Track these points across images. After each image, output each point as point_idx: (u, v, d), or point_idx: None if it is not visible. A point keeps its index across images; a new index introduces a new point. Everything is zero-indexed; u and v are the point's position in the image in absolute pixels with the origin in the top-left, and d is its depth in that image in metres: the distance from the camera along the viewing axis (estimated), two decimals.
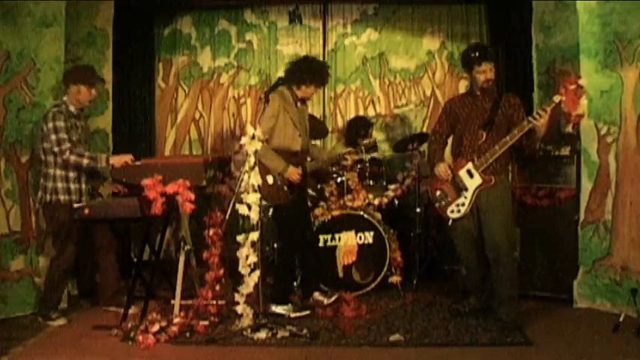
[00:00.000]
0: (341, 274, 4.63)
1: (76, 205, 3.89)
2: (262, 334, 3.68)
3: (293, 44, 6.01)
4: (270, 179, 4.02)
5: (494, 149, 3.81)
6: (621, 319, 3.74)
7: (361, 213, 4.67)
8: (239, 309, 3.79)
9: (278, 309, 4.09)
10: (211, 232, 4.06)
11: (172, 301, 4.01)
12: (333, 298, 4.22)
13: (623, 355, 3.37)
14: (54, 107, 4.09)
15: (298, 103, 4.21)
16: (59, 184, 4.05)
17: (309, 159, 4.50)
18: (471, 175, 3.89)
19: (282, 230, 4.31)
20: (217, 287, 3.99)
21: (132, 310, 4.00)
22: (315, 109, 5.99)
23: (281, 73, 4.37)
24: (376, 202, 4.91)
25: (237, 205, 3.77)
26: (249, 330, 3.73)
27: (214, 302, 3.96)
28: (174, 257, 4.87)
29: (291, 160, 4.12)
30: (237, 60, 6.08)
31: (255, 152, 3.74)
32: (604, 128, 4.19)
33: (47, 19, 4.31)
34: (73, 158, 3.97)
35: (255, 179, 3.72)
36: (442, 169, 3.97)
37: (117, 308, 4.16)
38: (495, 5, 5.76)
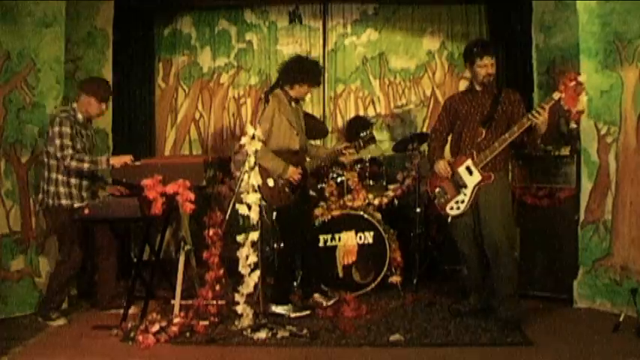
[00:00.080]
0: (341, 274, 4.63)
1: (76, 205, 3.90)
2: (262, 334, 3.68)
3: (293, 44, 6.01)
4: (270, 182, 4.02)
5: (493, 146, 3.81)
6: (621, 319, 3.74)
7: (361, 213, 4.67)
8: (239, 309, 3.79)
9: (278, 309, 4.09)
10: (211, 232, 4.06)
11: (172, 301, 4.02)
12: (332, 301, 4.22)
13: (623, 355, 3.37)
14: (62, 112, 4.09)
15: (292, 103, 4.21)
16: (61, 189, 4.05)
17: (308, 159, 4.49)
18: (470, 172, 3.89)
19: (284, 231, 4.30)
20: (217, 287, 3.99)
21: (132, 310, 4.00)
22: (315, 109, 6.00)
23: None
24: (376, 202, 4.90)
25: (237, 205, 3.77)
26: (249, 330, 3.73)
27: (214, 302, 3.96)
28: (174, 257, 4.87)
29: (291, 160, 4.12)
30: (237, 60, 6.08)
31: (255, 152, 3.74)
32: (604, 128, 4.19)
33: (47, 19, 4.31)
34: (74, 164, 3.97)
35: (255, 179, 3.72)
36: (441, 167, 3.97)
37: (116, 311, 4.15)
38: (495, 5, 5.76)
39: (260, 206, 3.78)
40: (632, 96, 4.05)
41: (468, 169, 3.89)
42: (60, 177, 4.05)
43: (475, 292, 4.13)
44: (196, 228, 4.54)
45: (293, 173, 4.09)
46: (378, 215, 4.75)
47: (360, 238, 4.64)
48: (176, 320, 3.77)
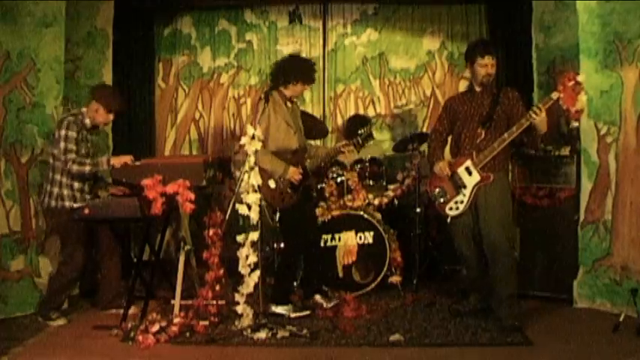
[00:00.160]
0: (341, 274, 4.63)
1: (76, 205, 3.89)
2: (262, 334, 3.68)
3: (293, 44, 6.01)
4: (272, 183, 4.02)
5: (492, 146, 3.81)
6: (621, 319, 3.74)
7: (361, 213, 4.67)
8: (239, 309, 3.79)
9: (278, 309, 4.09)
10: (211, 232, 4.06)
11: (172, 301, 4.02)
12: (333, 303, 4.21)
13: (623, 355, 3.37)
14: (70, 116, 4.10)
15: (288, 103, 4.21)
16: (65, 191, 4.06)
17: (307, 159, 4.48)
18: (469, 173, 3.89)
19: (288, 231, 4.29)
20: (217, 287, 3.99)
21: (132, 310, 4.00)
22: (315, 109, 6.00)
23: None
24: (376, 202, 4.90)
25: (237, 205, 3.77)
26: (249, 330, 3.73)
27: (214, 302, 3.96)
28: (174, 257, 4.86)
29: (290, 159, 4.12)
30: (237, 60, 6.08)
31: (255, 152, 3.74)
32: (604, 128, 4.19)
33: (47, 19, 4.31)
34: (75, 168, 3.98)
35: (255, 179, 3.72)
36: (441, 167, 3.97)
37: (117, 310, 4.15)
38: (495, 5, 5.76)
39: (260, 206, 3.77)
40: (632, 96, 4.05)
41: (467, 169, 3.90)
42: (64, 180, 4.05)
43: (475, 292, 4.13)
44: (196, 228, 4.54)
45: (294, 173, 4.09)
46: (378, 215, 4.75)
47: (360, 238, 4.64)
48: (176, 320, 3.77)
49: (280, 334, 3.69)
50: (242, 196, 3.76)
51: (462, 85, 5.86)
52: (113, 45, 5.24)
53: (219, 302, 3.99)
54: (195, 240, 4.31)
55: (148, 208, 3.73)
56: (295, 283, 4.45)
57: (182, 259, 4.06)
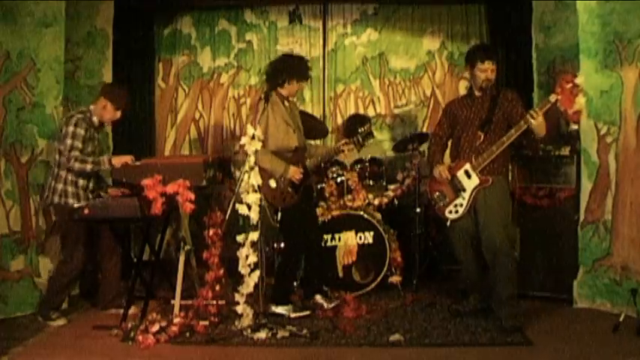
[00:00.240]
0: (341, 274, 4.63)
1: (76, 205, 3.90)
2: (262, 334, 3.68)
3: (293, 44, 6.00)
4: (273, 183, 4.02)
5: (491, 150, 3.82)
6: (621, 319, 3.74)
7: (361, 213, 4.67)
8: (239, 309, 3.79)
9: (278, 309, 4.09)
10: (211, 232, 4.06)
11: (172, 301, 4.02)
12: (334, 304, 4.20)
13: (623, 355, 3.37)
14: (79, 113, 4.10)
15: (285, 102, 4.21)
16: (69, 188, 4.06)
17: (307, 159, 4.48)
18: (468, 176, 3.90)
19: (290, 231, 4.27)
20: (217, 287, 3.99)
21: (132, 310, 4.00)
22: (315, 109, 6.00)
23: None
24: (376, 202, 4.90)
25: (237, 205, 3.77)
26: (249, 330, 3.73)
27: (214, 302, 3.96)
28: (174, 257, 4.86)
29: (290, 158, 4.12)
30: (237, 60, 6.08)
31: (255, 152, 3.74)
32: (604, 128, 4.19)
33: (47, 19, 4.31)
34: (77, 165, 3.98)
35: (255, 179, 3.72)
36: (440, 171, 3.98)
37: (117, 310, 4.16)
38: (495, 5, 5.76)
39: (260, 206, 3.77)
40: (632, 96, 4.05)
41: (467, 172, 3.91)
42: (69, 176, 4.06)
43: (474, 292, 4.13)
44: (196, 228, 4.54)
45: (294, 173, 4.09)
46: (378, 215, 4.75)
47: (360, 238, 4.64)
48: (176, 320, 3.77)
49: (280, 334, 3.69)
50: (242, 196, 3.76)
51: (462, 85, 5.86)
52: (113, 45, 5.24)
53: (219, 302, 3.99)
54: (195, 240, 4.32)
55: (148, 208, 3.73)
56: (295, 283, 4.45)
57: (182, 259, 4.06)
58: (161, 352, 3.52)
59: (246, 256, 3.73)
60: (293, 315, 4.06)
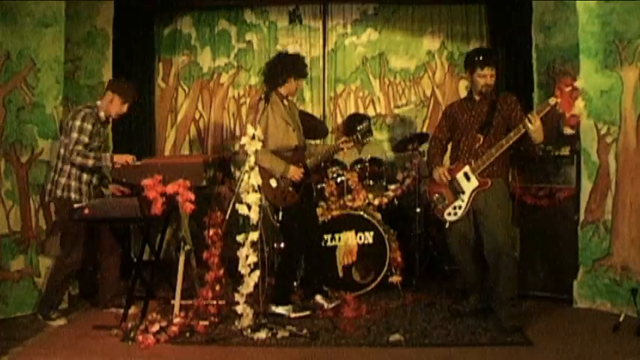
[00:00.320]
0: (341, 274, 4.63)
1: (76, 205, 3.90)
2: (262, 334, 3.68)
3: (293, 44, 6.00)
4: (273, 183, 4.02)
5: (490, 152, 3.84)
6: (621, 319, 3.74)
7: (361, 213, 4.67)
8: (239, 309, 3.79)
9: (278, 309, 4.09)
10: (211, 232, 4.06)
11: (172, 301, 4.02)
12: (334, 304, 4.20)
13: (623, 355, 3.37)
14: (87, 108, 4.12)
15: (285, 101, 4.21)
16: (72, 182, 4.07)
17: (307, 158, 4.48)
18: (467, 178, 3.91)
19: (290, 231, 4.26)
20: (217, 287, 3.99)
21: (132, 310, 4.00)
22: (315, 109, 6.00)
23: None
24: (376, 202, 4.90)
25: (237, 205, 3.77)
26: (249, 330, 3.73)
27: (214, 302, 3.96)
28: (174, 257, 4.86)
29: (291, 158, 4.12)
30: (237, 60, 6.08)
31: (256, 152, 3.73)
32: (604, 128, 4.19)
33: (47, 19, 4.31)
34: (79, 159, 3.99)
35: (255, 179, 3.72)
36: (440, 174, 3.99)
37: (117, 309, 4.16)
38: (495, 5, 5.76)
39: (260, 206, 3.77)
40: (632, 96, 4.05)
41: (466, 175, 3.91)
42: (73, 170, 4.07)
43: (474, 293, 4.13)
44: (196, 228, 4.54)
45: (295, 172, 4.09)
46: (378, 215, 4.75)
47: (360, 238, 4.64)
48: (176, 320, 3.77)
49: (280, 334, 3.69)
50: (242, 196, 3.76)
51: (462, 85, 5.87)
52: (113, 45, 5.24)
53: (219, 302, 3.99)
54: (195, 240, 4.32)
55: (148, 208, 3.72)
56: (295, 283, 4.44)
57: (182, 259, 4.06)
58: (161, 352, 3.52)
59: (246, 256, 3.72)
60: (293, 315, 4.06)
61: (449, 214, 3.97)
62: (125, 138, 5.56)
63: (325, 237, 4.62)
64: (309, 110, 5.85)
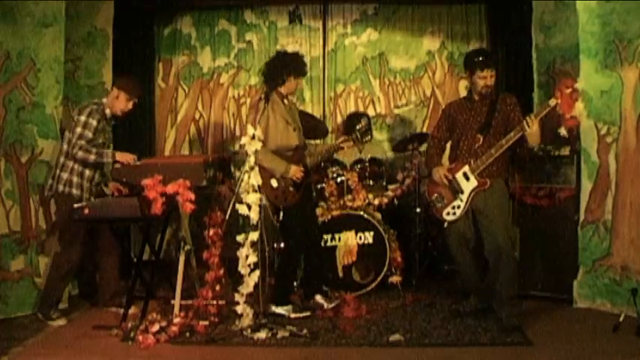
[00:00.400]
0: (341, 274, 4.63)
1: (76, 205, 3.90)
2: (262, 334, 3.68)
3: (293, 44, 5.99)
4: (274, 183, 4.03)
5: (490, 152, 3.84)
6: (621, 319, 3.74)
7: (361, 213, 4.67)
8: (239, 309, 3.79)
9: (278, 309, 4.09)
10: (211, 232, 4.06)
11: (172, 301, 4.01)
12: (334, 303, 4.20)
13: (623, 355, 3.37)
14: (93, 104, 4.14)
15: (285, 100, 4.21)
16: (74, 178, 4.08)
17: (308, 157, 4.48)
18: (467, 178, 3.91)
19: (290, 230, 4.26)
20: (217, 287, 3.99)
21: (132, 310, 4.00)
22: (315, 109, 6.00)
23: None
24: (376, 202, 4.90)
25: (237, 205, 3.77)
26: (249, 330, 3.73)
27: (214, 302, 3.96)
28: (174, 257, 4.86)
29: (291, 157, 4.12)
30: (237, 60, 6.08)
31: (255, 152, 3.73)
32: (604, 128, 4.19)
33: (47, 19, 4.31)
34: (80, 153, 4.00)
35: (255, 179, 3.72)
36: (439, 174, 3.98)
37: (117, 309, 4.16)
38: (495, 5, 5.76)
39: (260, 206, 3.77)
40: (632, 96, 4.05)
41: (465, 175, 3.92)
42: (76, 166, 4.08)
43: (474, 293, 4.13)
44: (196, 228, 4.54)
45: (295, 172, 4.09)
46: (378, 215, 4.75)
47: (360, 238, 4.64)
48: (176, 320, 3.77)
49: (280, 334, 3.69)
50: (242, 196, 3.76)
51: (462, 85, 5.86)
52: (113, 45, 5.23)
53: (219, 302, 3.99)
54: (195, 240, 4.32)
55: (148, 208, 3.72)
56: (295, 283, 4.44)
57: (182, 259, 4.06)
58: (161, 352, 3.52)
59: (246, 256, 3.72)
60: (293, 315, 4.06)
61: (447, 213, 3.97)
62: (125, 138, 5.55)
63: (325, 237, 4.62)
64: (309, 110, 5.85)
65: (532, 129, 3.67)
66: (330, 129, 5.79)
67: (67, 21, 4.45)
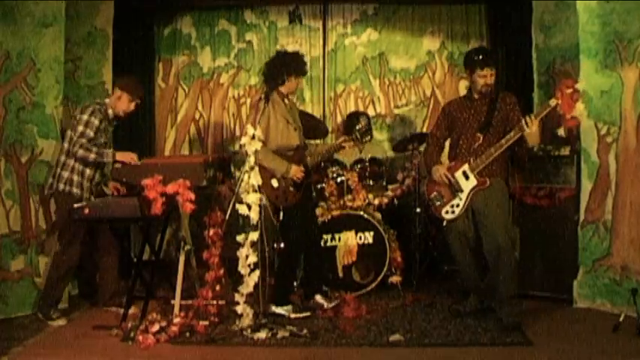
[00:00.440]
0: (341, 274, 4.63)
1: (76, 205, 3.90)
2: (262, 334, 3.68)
3: (293, 44, 5.99)
4: (275, 182, 4.03)
5: (489, 152, 3.84)
6: (621, 319, 3.74)
7: (361, 213, 4.67)
8: (239, 309, 3.79)
9: (278, 309, 4.09)
10: (211, 232, 4.06)
11: (172, 301, 4.01)
12: (334, 303, 4.20)
13: (623, 355, 3.37)
14: (96, 104, 4.14)
15: (286, 100, 4.21)
16: (75, 177, 4.08)
17: (308, 157, 4.48)
18: (466, 177, 3.91)
19: (290, 230, 4.26)
20: (217, 287, 3.99)
21: (132, 310, 4.00)
22: (315, 109, 6.00)
23: None
24: (376, 202, 4.90)
25: (237, 205, 3.77)
26: (249, 330, 3.73)
27: (214, 302, 3.96)
28: (174, 257, 4.87)
29: (292, 157, 4.12)
30: (237, 60, 6.08)
31: (255, 152, 3.73)
32: (604, 128, 4.19)
33: (47, 19, 4.31)
34: (81, 151, 4.00)
35: (255, 179, 3.72)
36: (439, 173, 3.98)
37: (117, 309, 4.16)
38: (495, 5, 5.76)
39: (260, 206, 3.77)
40: (632, 96, 4.05)
41: (465, 173, 3.92)
42: (77, 165, 4.08)
43: (474, 293, 4.13)
44: (196, 228, 4.54)
45: (296, 172, 4.09)
46: (378, 215, 4.75)
47: (360, 238, 4.64)
48: (176, 320, 3.77)
49: (280, 334, 3.69)
50: (242, 196, 3.76)
51: (462, 85, 5.86)
52: (113, 45, 5.23)
53: (219, 302, 3.99)
54: (195, 240, 4.32)
55: (148, 208, 3.72)
56: (295, 283, 4.44)
57: (182, 259, 4.06)
58: (161, 352, 3.52)
59: (246, 256, 3.72)
60: (293, 315, 4.06)
61: (446, 212, 3.97)
62: (125, 138, 5.55)
63: (325, 237, 4.62)
64: (309, 110, 5.85)
65: (532, 129, 3.67)
66: (330, 129, 5.79)
67: (67, 21, 4.45)
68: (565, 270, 4.33)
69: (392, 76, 6.01)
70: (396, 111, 6.01)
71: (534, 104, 4.93)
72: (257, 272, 3.74)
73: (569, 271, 4.31)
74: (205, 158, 4.17)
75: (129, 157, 4.07)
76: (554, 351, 3.45)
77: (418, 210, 4.95)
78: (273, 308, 4.09)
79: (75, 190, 4.07)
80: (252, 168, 3.73)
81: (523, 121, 3.69)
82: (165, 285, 4.51)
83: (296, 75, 4.17)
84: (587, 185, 4.26)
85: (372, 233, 4.64)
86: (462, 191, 3.92)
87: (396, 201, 5.13)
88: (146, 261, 4.30)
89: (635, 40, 4.01)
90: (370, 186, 5.02)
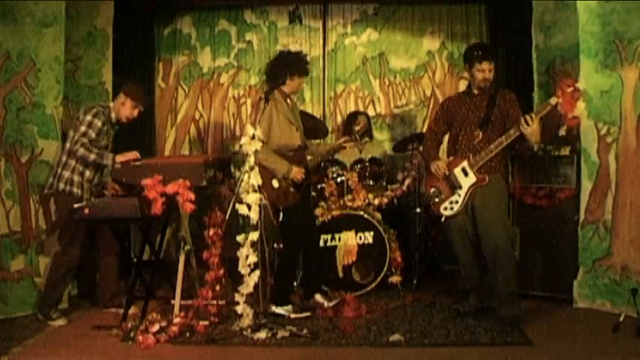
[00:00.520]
0: (341, 274, 4.63)
1: (76, 205, 3.90)
2: (262, 334, 3.68)
3: (293, 44, 6.00)
4: (275, 183, 4.03)
5: (489, 149, 3.84)
6: (621, 319, 3.74)
7: (361, 213, 4.67)
8: (239, 309, 3.79)
9: (278, 309, 4.09)
10: (211, 232, 4.06)
11: (172, 301, 4.01)
12: (334, 302, 4.20)
13: (623, 355, 3.36)
14: (100, 106, 4.16)
15: (288, 100, 4.21)
16: (75, 177, 4.08)
17: (308, 157, 4.48)
18: (465, 174, 3.91)
19: (290, 231, 4.25)
20: (217, 287, 3.99)
21: (132, 310, 4.00)
22: (315, 109, 6.00)
23: None
24: (376, 202, 4.90)
25: (237, 205, 3.77)
26: (249, 330, 3.72)
27: (214, 302, 3.96)
28: (175, 257, 4.87)
29: (293, 157, 4.12)
30: (237, 60, 6.08)
31: (255, 152, 3.73)
32: (604, 128, 4.19)
33: (47, 19, 4.31)
34: (81, 151, 4.00)
35: (255, 179, 3.72)
36: (438, 166, 3.99)
37: (117, 309, 4.16)
38: (495, 5, 5.76)
39: (260, 206, 3.77)
40: (632, 96, 4.05)
41: (464, 170, 3.92)
42: (78, 165, 4.08)
43: (474, 292, 4.13)
44: (196, 228, 4.54)
45: (297, 173, 4.08)
46: (378, 215, 4.75)
47: (360, 238, 4.64)
48: (176, 320, 3.77)
49: (280, 334, 3.69)
50: (242, 196, 3.76)
51: (462, 85, 5.85)
52: (113, 45, 5.23)
53: (219, 302, 3.98)
54: (195, 240, 4.32)
55: (148, 208, 3.72)
56: (295, 283, 4.44)
57: (182, 259, 4.06)
58: (161, 352, 3.52)
59: (246, 256, 3.72)
60: (293, 315, 4.06)
61: (445, 208, 3.97)
62: (125, 138, 5.54)
63: (325, 237, 4.62)
64: (309, 110, 5.85)
65: (532, 127, 3.67)
66: (330, 129, 5.79)
67: (67, 21, 4.45)
68: (565, 270, 4.33)
69: (392, 76, 6.02)
70: (396, 111, 6.02)
71: (534, 104, 4.93)
72: (257, 272, 3.74)
73: (569, 271, 4.30)
74: (205, 158, 4.17)
75: (130, 156, 4.07)
76: (554, 351, 3.45)
77: (418, 210, 4.95)
78: (273, 308, 4.09)
79: (75, 190, 4.07)
80: (252, 168, 3.73)
81: (523, 119, 3.69)
82: (165, 285, 4.51)
83: (299, 75, 4.17)
84: (587, 185, 4.26)
85: (372, 233, 4.63)
86: (460, 188, 3.92)
87: (396, 201, 5.13)
88: (146, 261, 4.30)
89: (635, 40, 4.01)
90: (370, 186, 5.02)
